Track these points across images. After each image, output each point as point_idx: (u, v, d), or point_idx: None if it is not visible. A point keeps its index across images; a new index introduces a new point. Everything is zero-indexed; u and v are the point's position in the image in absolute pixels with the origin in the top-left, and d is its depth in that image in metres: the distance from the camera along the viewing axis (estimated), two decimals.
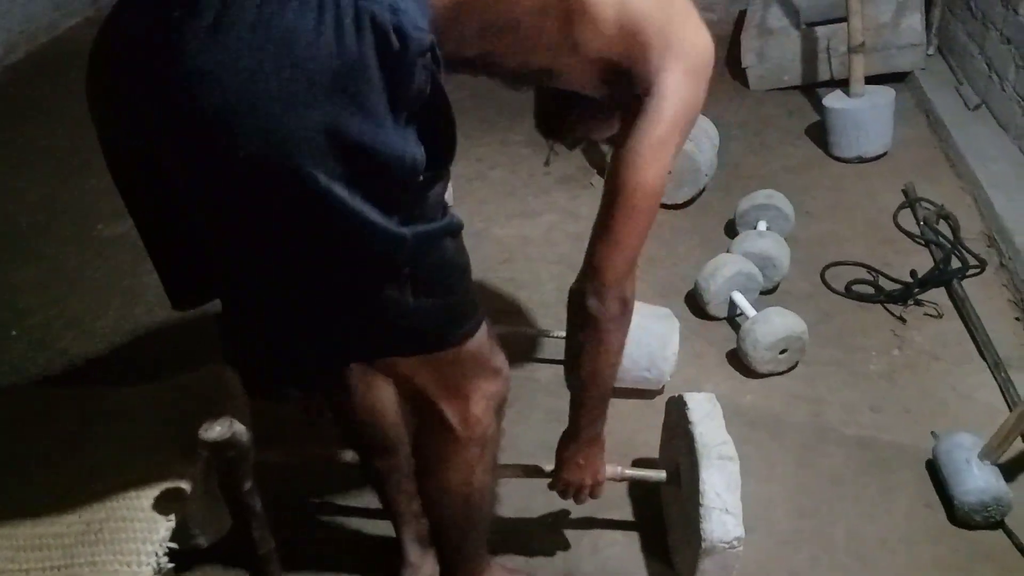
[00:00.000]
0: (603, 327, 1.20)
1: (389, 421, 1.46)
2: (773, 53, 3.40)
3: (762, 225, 2.46)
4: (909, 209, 2.66)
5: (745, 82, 3.45)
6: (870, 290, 2.33)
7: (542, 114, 1.43)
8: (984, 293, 2.29)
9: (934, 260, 2.41)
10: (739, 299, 2.17)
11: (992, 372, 2.04)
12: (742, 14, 3.58)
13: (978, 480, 1.66)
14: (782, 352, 2.03)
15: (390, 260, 0.96)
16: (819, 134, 3.04)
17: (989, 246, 2.46)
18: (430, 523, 1.40)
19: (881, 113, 2.88)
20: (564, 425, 1.41)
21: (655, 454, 1.79)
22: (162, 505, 1.10)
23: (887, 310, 2.26)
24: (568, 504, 1.56)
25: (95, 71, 0.94)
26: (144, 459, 1.17)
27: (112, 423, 1.25)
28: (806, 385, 2.06)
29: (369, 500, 1.67)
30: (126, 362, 2.15)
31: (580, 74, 1.15)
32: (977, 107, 3.02)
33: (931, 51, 3.43)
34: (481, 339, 1.15)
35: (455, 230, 1.04)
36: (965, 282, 2.32)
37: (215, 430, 0.97)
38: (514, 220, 2.65)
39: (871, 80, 2.97)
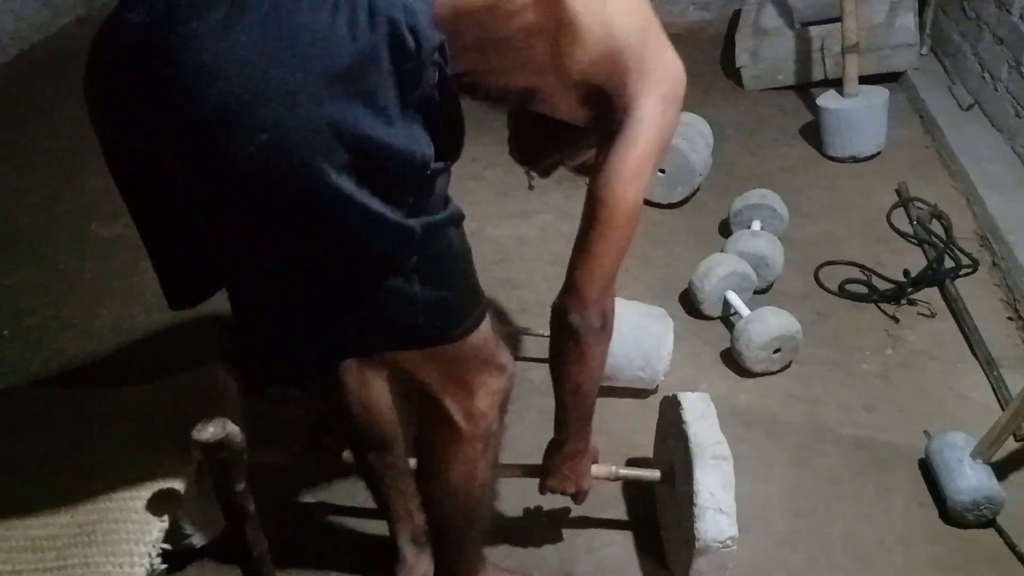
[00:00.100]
0: (585, 341, 1.23)
1: (384, 418, 1.46)
2: (767, 53, 3.40)
3: (756, 225, 2.46)
4: (902, 209, 2.67)
5: (739, 82, 3.46)
6: (864, 290, 2.33)
7: (516, 141, 1.45)
8: (977, 292, 2.29)
9: (927, 260, 2.42)
10: (733, 299, 2.18)
11: (985, 371, 2.05)
12: (736, 14, 3.58)
13: (970, 479, 1.66)
14: (776, 351, 2.03)
15: (399, 252, 0.97)
16: (813, 134, 3.04)
17: (982, 246, 2.47)
18: (430, 521, 1.41)
19: (875, 113, 2.88)
20: None
21: (650, 453, 1.79)
22: (155, 506, 1.10)
23: (880, 309, 2.27)
24: (564, 502, 1.56)
25: (97, 68, 0.94)
26: (138, 460, 1.16)
27: (107, 424, 1.25)
28: (801, 384, 2.06)
29: (364, 500, 1.67)
30: (123, 363, 2.14)
31: (562, 96, 1.17)
32: (970, 107, 3.03)
33: (924, 51, 3.44)
34: (486, 333, 1.16)
35: (458, 220, 1.05)
36: (958, 281, 2.33)
37: (208, 431, 0.96)
38: (509, 220, 2.65)
39: (865, 80, 2.97)
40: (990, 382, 2.02)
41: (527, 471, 1.54)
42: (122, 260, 2.49)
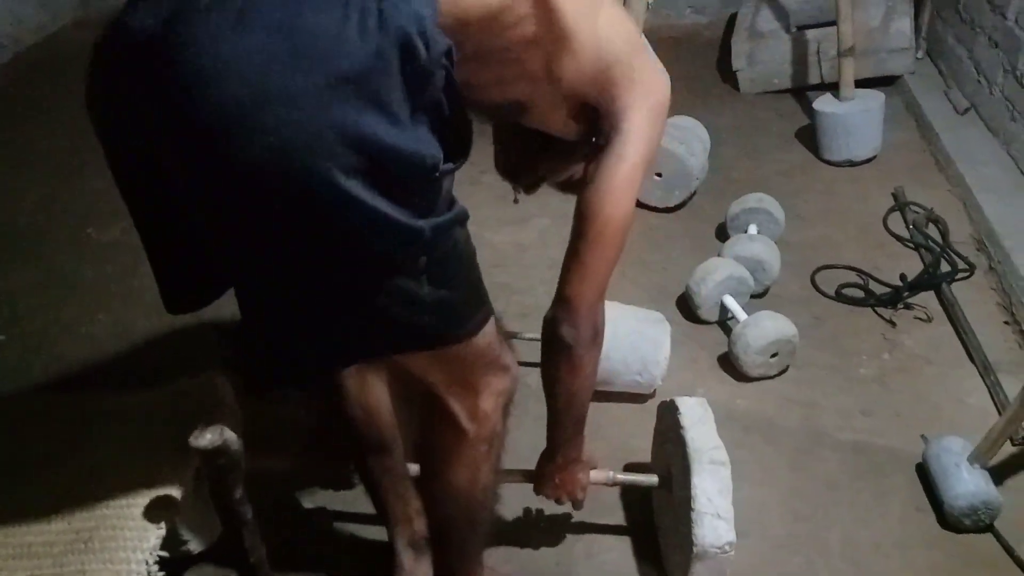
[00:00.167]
0: (576, 353, 1.23)
1: (384, 421, 1.46)
2: (764, 56, 3.41)
3: (753, 229, 2.46)
4: (899, 213, 2.67)
5: (736, 85, 3.46)
6: (860, 294, 2.33)
7: (503, 157, 1.46)
8: (973, 296, 2.30)
9: (924, 264, 2.42)
10: (730, 303, 2.18)
11: (981, 376, 2.05)
12: (733, 17, 3.59)
13: (967, 484, 1.66)
14: (773, 356, 2.03)
15: (408, 253, 0.98)
16: (809, 137, 3.05)
17: (978, 250, 2.48)
18: (431, 524, 1.41)
19: (871, 117, 2.89)
20: None
21: (647, 458, 1.79)
22: (153, 513, 1.09)
23: (877, 314, 2.27)
24: (563, 507, 1.56)
25: (100, 71, 0.94)
26: (135, 466, 1.16)
27: (105, 429, 1.24)
28: (798, 389, 2.06)
29: (363, 504, 1.66)
30: (121, 367, 2.14)
31: (553, 109, 1.18)
32: (966, 111, 3.03)
33: (920, 55, 3.45)
34: (491, 334, 1.18)
35: (464, 220, 1.06)
36: (954, 286, 2.33)
37: (206, 438, 0.96)
38: (507, 225, 2.65)
39: (861, 84, 2.98)
40: (987, 386, 2.02)
41: (526, 476, 1.54)
42: (121, 263, 2.49)
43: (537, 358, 1.29)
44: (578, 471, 1.47)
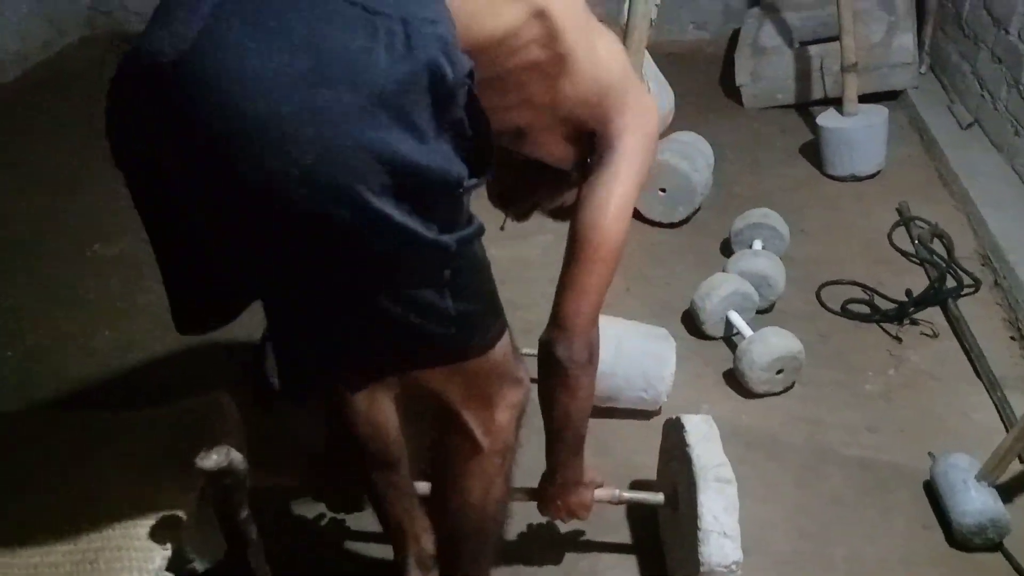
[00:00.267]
0: (573, 374, 1.25)
1: (392, 437, 1.46)
2: (767, 72, 3.42)
3: (757, 244, 2.46)
4: (903, 228, 2.67)
5: (739, 100, 3.47)
6: (866, 309, 2.33)
7: (495, 185, 1.48)
8: (979, 312, 2.29)
9: (929, 279, 2.42)
10: (735, 319, 2.18)
11: (988, 392, 2.05)
12: (735, 33, 3.61)
13: (975, 502, 1.65)
14: (779, 372, 2.03)
15: (435, 268, 1.00)
16: (813, 152, 3.05)
17: (983, 265, 2.47)
18: (441, 540, 1.41)
19: (874, 132, 2.89)
20: None
21: (653, 475, 1.78)
22: (158, 534, 1.09)
23: (883, 329, 2.27)
24: (567, 523, 1.56)
25: (125, 91, 0.93)
26: (141, 486, 1.16)
27: (110, 448, 1.24)
28: (803, 405, 2.06)
29: (369, 522, 1.66)
30: (125, 383, 2.14)
31: (549, 134, 1.20)
32: (970, 126, 3.04)
33: (923, 70, 3.46)
34: (507, 345, 1.19)
35: (481, 232, 1.08)
36: (960, 301, 2.33)
37: (211, 458, 0.96)
38: (510, 241, 2.63)
39: (864, 99, 2.99)
40: (993, 403, 2.02)
41: (530, 495, 1.54)
42: (123, 279, 2.49)
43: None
44: (580, 492, 1.47)
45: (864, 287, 2.40)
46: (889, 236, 2.64)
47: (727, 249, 2.57)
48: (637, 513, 1.76)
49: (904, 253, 2.57)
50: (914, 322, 2.27)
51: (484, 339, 1.14)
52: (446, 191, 0.94)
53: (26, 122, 3.44)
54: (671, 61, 3.35)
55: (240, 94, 0.83)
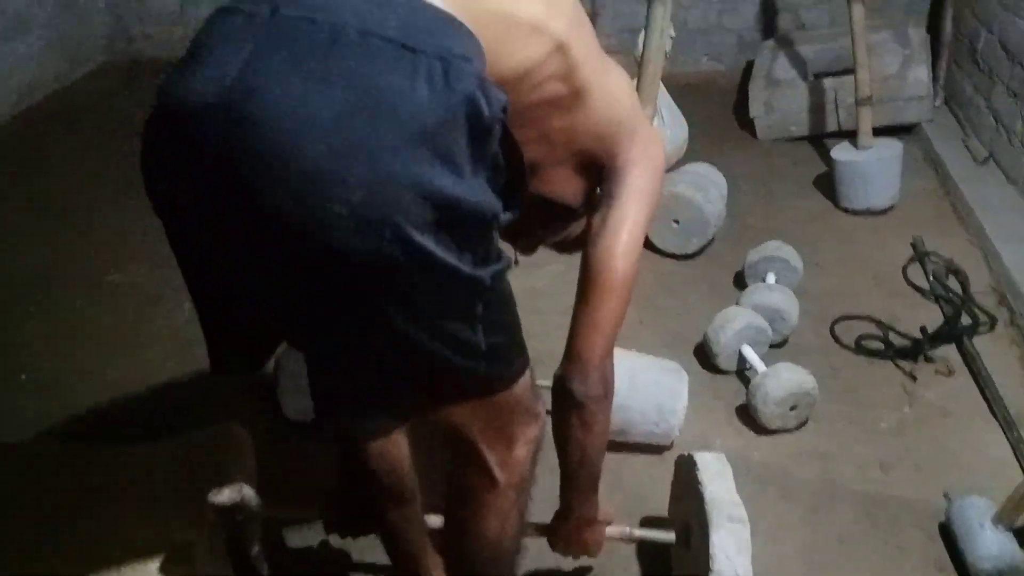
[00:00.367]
0: (588, 408, 1.25)
1: (405, 471, 1.45)
2: (780, 104, 3.43)
3: (771, 277, 2.46)
4: (918, 263, 2.66)
5: (753, 132, 3.48)
6: (880, 345, 2.32)
7: None
8: (995, 350, 2.28)
9: (944, 315, 2.40)
10: (748, 353, 2.17)
11: (1004, 431, 2.03)
12: (749, 65, 3.62)
13: (992, 546, 1.63)
14: (792, 408, 2.02)
15: (469, 303, 1.00)
16: (827, 185, 3.05)
17: (1000, 302, 2.45)
18: (454, 574, 1.40)
19: (889, 166, 2.89)
20: None
21: (663, 509, 1.77)
22: (169, 568, 1.09)
23: (897, 366, 2.25)
24: (581, 562, 1.55)
25: (157, 141, 0.94)
26: (152, 521, 1.16)
27: (121, 481, 1.25)
28: (816, 441, 2.04)
29: (379, 556, 1.65)
30: (137, 413, 2.13)
31: (560, 169, 1.21)
32: (985, 160, 3.03)
33: (938, 103, 3.46)
34: (527, 380, 1.20)
35: (509, 266, 1.08)
36: (976, 338, 2.31)
37: (224, 494, 0.96)
38: (520, 271, 2.62)
39: (879, 131, 2.99)
40: (1009, 442, 1.99)
41: (540, 530, 1.53)
42: (136, 309, 2.50)
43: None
44: (593, 529, 1.46)
45: (879, 323, 2.39)
46: (904, 271, 2.63)
47: (740, 281, 2.56)
48: (648, 549, 1.75)
49: (918, 288, 2.55)
50: (929, 359, 2.25)
51: (510, 372, 1.15)
52: (482, 225, 0.95)
53: (40, 152, 3.46)
54: (685, 92, 3.36)
55: (288, 135, 0.84)
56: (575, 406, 1.25)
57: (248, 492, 0.99)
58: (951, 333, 2.31)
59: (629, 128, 1.21)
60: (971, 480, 1.88)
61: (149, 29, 4.26)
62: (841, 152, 2.96)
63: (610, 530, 1.52)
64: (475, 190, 0.91)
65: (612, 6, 3.89)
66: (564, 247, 1.53)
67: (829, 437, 2.05)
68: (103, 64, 4.24)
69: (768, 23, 3.89)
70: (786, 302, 2.30)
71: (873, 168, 2.88)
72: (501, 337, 1.09)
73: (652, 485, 1.86)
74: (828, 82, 3.34)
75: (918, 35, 3.32)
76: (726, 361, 2.22)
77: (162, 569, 1.08)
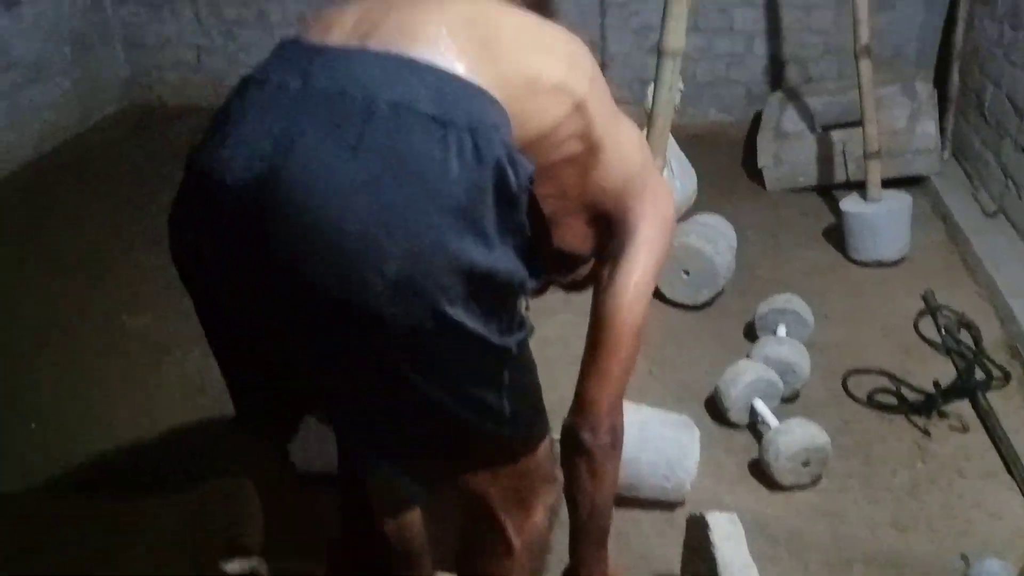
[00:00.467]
0: (598, 459, 1.25)
1: (416, 530, 1.44)
2: (789, 155, 3.45)
3: (781, 329, 2.45)
4: (929, 316, 2.64)
5: (761, 183, 3.50)
6: (893, 400, 2.29)
7: None
8: (1009, 406, 2.25)
9: (956, 369, 2.38)
10: (760, 407, 2.15)
11: (1020, 489, 2.00)
12: (758, 116, 3.65)
13: None
14: (805, 464, 1.99)
15: (496, 371, 1.01)
16: (836, 236, 3.05)
17: (1013, 357, 2.44)
18: None
19: (898, 218, 2.89)
20: None
21: (674, 569, 1.74)
22: None
23: (910, 421, 2.23)
24: None
25: (193, 200, 0.94)
26: None
27: (131, 540, 1.23)
28: (828, 498, 2.01)
29: None
30: (144, 462, 2.12)
31: (572, 221, 1.21)
32: (994, 213, 3.03)
33: (946, 156, 3.47)
34: (547, 444, 1.20)
35: (531, 333, 1.09)
36: (990, 393, 2.29)
37: (235, 565, 0.95)
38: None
39: (887, 183, 2.99)
40: None
41: None
42: (147, 357, 2.49)
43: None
44: None
45: (891, 376, 2.37)
46: (915, 324, 2.61)
47: (750, 332, 2.55)
48: None
49: (930, 342, 2.54)
50: (943, 414, 2.23)
51: (532, 437, 1.15)
52: (511, 294, 0.96)
53: (52, 200, 3.47)
54: (694, 143, 3.38)
55: (324, 208, 0.84)
56: (584, 455, 1.24)
57: (258, 562, 0.98)
58: (965, 388, 2.29)
59: (640, 181, 1.22)
60: (987, 540, 1.85)
61: (166, 76, 4.33)
62: (850, 204, 2.96)
63: None
64: (504, 260, 0.92)
65: (622, 58, 3.95)
66: (572, 286, 1.52)
67: (842, 494, 2.02)
68: (118, 111, 4.29)
69: (776, 75, 3.93)
70: (797, 355, 2.29)
71: (883, 220, 2.88)
72: (524, 402, 1.09)
73: (663, 544, 1.84)
74: (836, 134, 3.36)
75: (925, 89, 3.35)
76: (737, 415, 2.20)
77: None
